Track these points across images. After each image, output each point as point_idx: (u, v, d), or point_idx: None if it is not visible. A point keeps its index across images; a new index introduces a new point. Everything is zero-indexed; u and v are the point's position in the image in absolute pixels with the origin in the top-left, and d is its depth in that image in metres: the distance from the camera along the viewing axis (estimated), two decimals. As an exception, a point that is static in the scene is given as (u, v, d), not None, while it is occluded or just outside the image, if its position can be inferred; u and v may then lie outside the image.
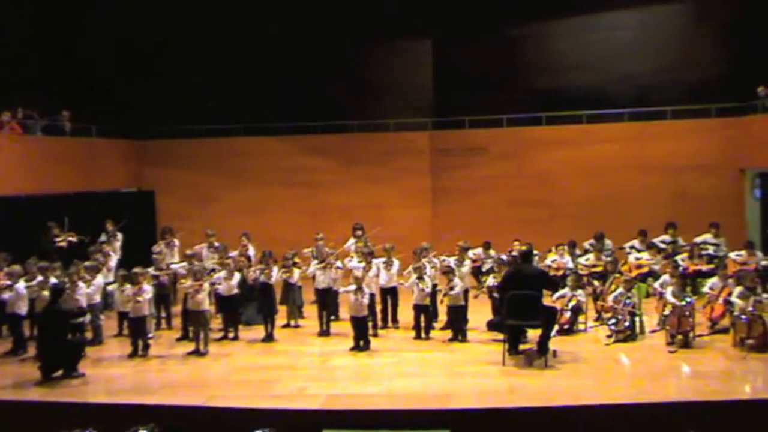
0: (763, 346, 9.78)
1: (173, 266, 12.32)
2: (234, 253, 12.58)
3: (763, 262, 12.89)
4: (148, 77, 17.51)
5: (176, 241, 13.72)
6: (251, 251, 13.13)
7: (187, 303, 10.73)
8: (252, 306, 12.00)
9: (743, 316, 9.93)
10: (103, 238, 13.78)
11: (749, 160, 15.97)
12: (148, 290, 10.64)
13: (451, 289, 10.87)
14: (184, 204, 17.03)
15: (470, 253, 12.86)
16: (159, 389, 9.04)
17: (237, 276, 11.39)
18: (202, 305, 10.49)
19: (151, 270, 11.56)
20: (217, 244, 13.27)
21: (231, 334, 11.34)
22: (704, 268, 13.23)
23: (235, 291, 11.35)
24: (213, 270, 11.83)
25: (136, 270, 10.75)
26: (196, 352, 10.41)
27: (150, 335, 10.84)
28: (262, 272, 11.48)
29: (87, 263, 11.62)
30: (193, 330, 10.76)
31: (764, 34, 16.04)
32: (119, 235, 13.94)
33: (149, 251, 13.11)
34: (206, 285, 10.67)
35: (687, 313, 10.29)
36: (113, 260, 12.88)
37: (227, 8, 17.32)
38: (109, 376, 9.66)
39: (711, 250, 13.84)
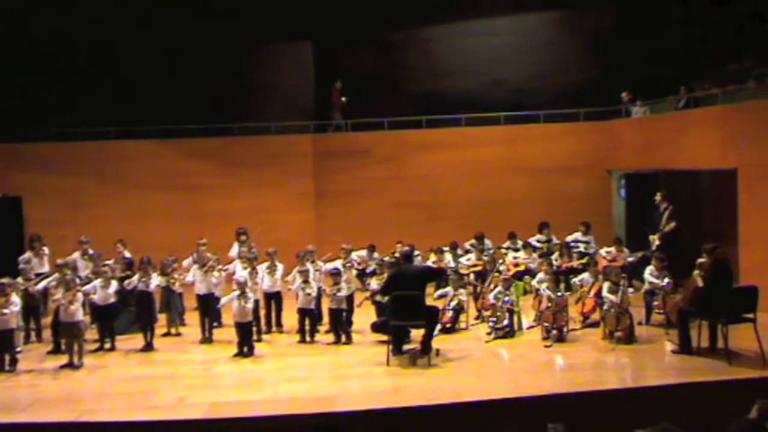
0: (629, 337, 10.38)
1: (42, 284, 11.61)
2: (110, 261, 12.11)
3: (630, 258, 13.66)
4: (15, 79, 16.54)
5: (46, 250, 13.03)
6: (126, 256, 12.65)
7: (59, 314, 10.22)
8: (126, 315, 11.56)
9: (612, 310, 10.48)
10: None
11: (615, 161, 16.90)
12: (16, 302, 10.02)
13: (338, 290, 10.89)
14: (55, 210, 16.17)
15: (354, 255, 12.94)
16: (28, 406, 8.54)
17: (114, 284, 10.97)
18: (76, 316, 10.02)
19: (19, 281, 10.94)
20: (91, 251, 12.73)
21: (107, 345, 10.90)
22: (576, 264, 13.87)
23: (112, 300, 10.93)
24: (87, 279, 11.34)
25: (3, 281, 10.10)
26: (70, 365, 9.93)
27: (18, 349, 10.24)
28: (140, 280, 11.10)
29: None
30: (66, 342, 10.25)
31: (628, 44, 17.09)
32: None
33: (16, 261, 12.39)
34: (80, 295, 10.21)
35: (561, 308, 10.78)
36: (-25, 271, 12.09)
37: (101, 7, 16.63)
38: (-27, 394, 9.06)
39: (582, 247, 14.53)
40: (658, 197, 13.36)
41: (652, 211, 13.44)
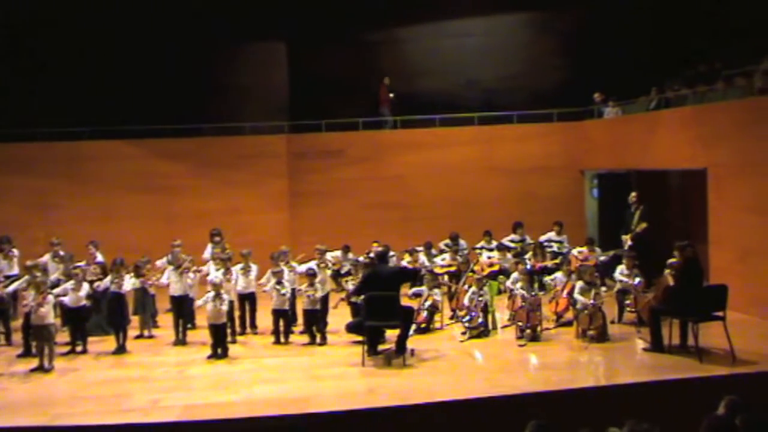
0: (602, 336, 10.49)
1: (11, 286, 11.42)
2: (81, 263, 11.97)
3: (602, 258, 13.79)
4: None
5: (15, 252, 12.84)
6: (99, 260, 12.51)
7: (29, 317, 10.07)
8: (95, 317, 11.43)
9: (585, 309, 10.57)
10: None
11: (588, 161, 17.05)
12: (-16, 305, 9.92)
13: (315, 292, 10.86)
14: (25, 212, 15.93)
15: (329, 255, 12.92)
16: (-2, 410, 8.44)
17: (86, 286, 10.84)
18: (47, 319, 9.89)
19: (-13, 284, 10.79)
20: (62, 253, 12.57)
21: (79, 348, 10.77)
22: (549, 264, 13.97)
23: (84, 302, 10.80)
24: (58, 282, 11.19)
25: (-29, 284, 9.99)
26: (41, 369, 9.80)
27: (-13, 353, 10.13)
28: (113, 282, 10.99)
29: None
30: (36, 345, 10.12)
31: (599, 45, 17.25)
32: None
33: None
34: (50, 297, 10.08)
35: (535, 307, 10.85)
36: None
37: (74, 6, 16.43)
38: (-59, 399, 8.90)
39: (555, 247, 14.64)
40: (632, 197, 13.50)
41: (625, 211, 13.58)
